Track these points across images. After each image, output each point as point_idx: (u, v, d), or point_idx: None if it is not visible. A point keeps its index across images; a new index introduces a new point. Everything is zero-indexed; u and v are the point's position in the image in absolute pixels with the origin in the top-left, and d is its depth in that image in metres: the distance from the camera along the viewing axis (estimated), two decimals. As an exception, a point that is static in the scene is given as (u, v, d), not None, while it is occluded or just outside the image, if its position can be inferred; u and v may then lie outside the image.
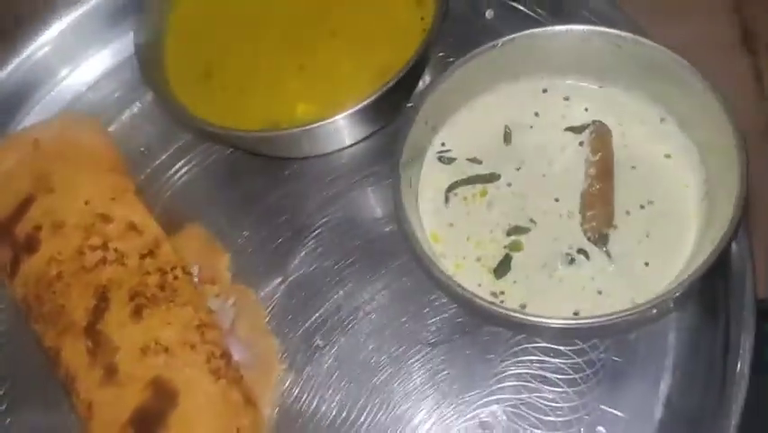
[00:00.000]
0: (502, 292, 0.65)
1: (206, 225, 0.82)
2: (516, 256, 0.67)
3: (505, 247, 0.67)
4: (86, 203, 0.76)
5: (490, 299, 0.64)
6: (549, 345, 0.70)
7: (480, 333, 0.71)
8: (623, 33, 0.69)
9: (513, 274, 0.66)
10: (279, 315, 0.76)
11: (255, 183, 0.83)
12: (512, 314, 0.60)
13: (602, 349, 0.69)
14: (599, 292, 0.64)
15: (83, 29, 0.91)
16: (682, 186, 0.68)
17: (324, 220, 0.80)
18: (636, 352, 0.69)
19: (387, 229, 0.78)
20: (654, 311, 0.61)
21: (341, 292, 0.76)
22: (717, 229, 0.61)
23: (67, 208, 0.75)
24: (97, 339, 0.69)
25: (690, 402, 0.66)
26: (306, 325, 0.76)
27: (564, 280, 0.65)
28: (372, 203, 0.81)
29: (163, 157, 0.86)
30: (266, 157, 0.83)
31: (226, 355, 0.70)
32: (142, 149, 0.87)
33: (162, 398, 0.66)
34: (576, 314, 0.62)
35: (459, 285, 0.62)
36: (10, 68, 0.89)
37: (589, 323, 0.60)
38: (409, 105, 0.81)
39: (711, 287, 0.66)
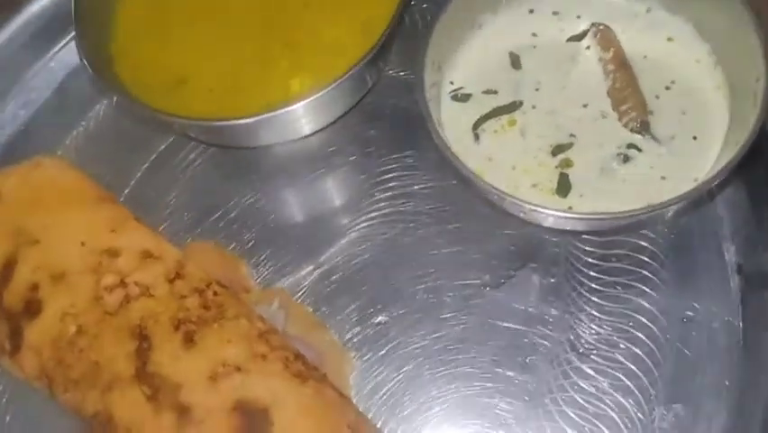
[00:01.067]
0: (570, 208, 0.64)
1: (208, 236, 0.76)
2: (571, 172, 0.65)
3: (557, 167, 0.66)
4: (83, 244, 0.67)
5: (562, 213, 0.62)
6: (609, 251, 0.69)
7: (542, 263, 0.70)
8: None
9: (576, 189, 0.65)
10: (325, 307, 0.72)
11: (248, 179, 0.78)
12: (588, 216, 0.60)
13: (659, 241, 0.70)
14: (663, 178, 0.64)
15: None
16: (694, 62, 0.69)
17: (345, 198, 0.77)
18: (692, 233, 0.71)
19: (408, 185, 0.75)
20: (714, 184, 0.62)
21: (387, 266, 0.72)
22: (748, 92, 0.63)
23: (62, 256, 0.66)
24: (153, 383, 0.61)
25: (761, 263, 0.67)
26: (356, 308, 0.71)
27: (627, 179, 0.65)
28: (382, 168, 0.77)
29: (137, 178, 0.79)
30: (252, 149, 0.77)
31: (300, 356, 0.64)
32: (108, 177, 0.77)
33: (254, 420, 0.59)
34: (648, 205, 0.62)
35: (526, 201, 0.60)
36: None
37: (661, 208, 0.60)
38: (390, 71, 0.79)
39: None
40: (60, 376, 0.63)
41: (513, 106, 0.69)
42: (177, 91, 0.72)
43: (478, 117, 0.69)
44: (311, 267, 0.74)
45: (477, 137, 0.69)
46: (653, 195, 0.63)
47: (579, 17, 0.73)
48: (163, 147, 0.79)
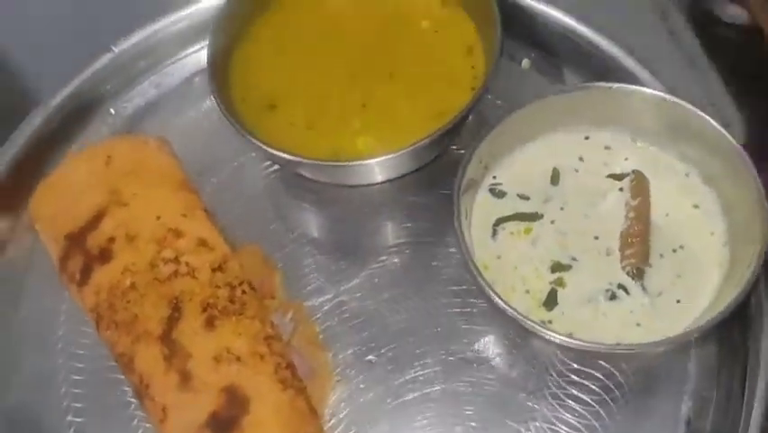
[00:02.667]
0: (550, 321, 0.73)
1: (260, 243, 0.87)
2: (561, 291, 0.74)
3: (550, 283, 0.75)
4: (158, 218, 0.81)
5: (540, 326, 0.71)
6: (582, 368, 0.78)
7: (519, 357, 0.79)
8: (662, 95, 0.78)
9: (561, 307, 0.73)
10: (332, 330, 0.83)
11: (308, 207, 0.90)
12: (564, 339, 0.68)
13: (629, 374, 0.77)
14: (638, 325, 0.72)
15: (146, 53, 0.97)
16: (708, 234, 0.76)
17: (372, 244, 0.87)
18: (659, 378, 0.78)
19: (430, 256, 0.85)
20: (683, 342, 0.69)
21: (385, 312, 0.83)
22: (740, 275, 0.70)
23: (140, 222, 0.80)
24: (172, 347, 0.74)
25: (709, 425, 0.74)
26: (355, 340, 0.82)
27: (608, 314, 0.73)
28: (419, 230, 0.88)
29: (221, 177, 0.92)
30: (320, 183, 0.90)
31: (291, 366, 0.76)
32: (199, 167, 0.92)
33: (235, 404, 0.71)
34: (618, 344, 0.70)
35: (513, 308, 0.69)
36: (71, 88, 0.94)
37: (628, 350, 0.68)
38: (453, 147, 0.90)
39: (730, 327, 0.75)
40: (107, 316, 0.77)
41: (534, 217, 0.78)
42: (267, 113, 0.85)
43: (501, 216, 0.79)
44: (332, 295, 0.85)
45: (495, 233, 0.78)
46: (623, 336, 0.71)
47: (626, 159, 0.81)
48: (253, 156, 0.92)
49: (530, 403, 0.77)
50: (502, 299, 0.70)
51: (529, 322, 0.69)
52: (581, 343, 0.69)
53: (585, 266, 0.76)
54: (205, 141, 0.94)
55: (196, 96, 0.97)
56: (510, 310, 0.70)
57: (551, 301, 0.74)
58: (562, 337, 0.68)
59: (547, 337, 0.69)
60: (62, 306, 0.85)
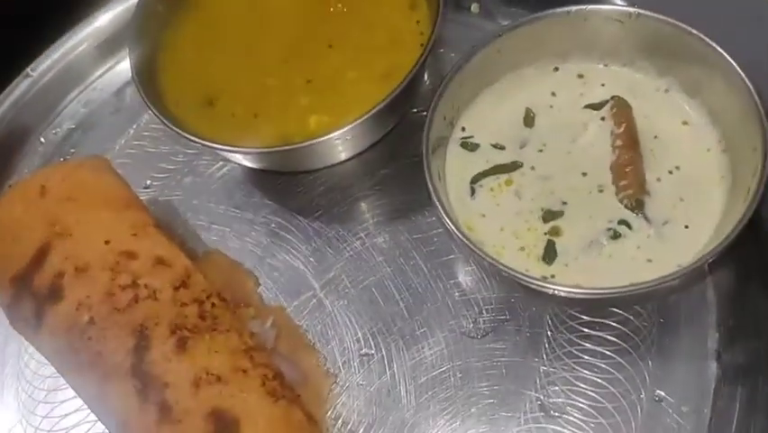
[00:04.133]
0: (552, 276, 0.66)
1: (225, 249, 0.81)
2: (558, 241, 0.67)
3: (545, 234, 0.68)
4: (107, 243, 0.73)
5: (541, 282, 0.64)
6: (594, 319, 0.71)
7: (525, 320, 0.72)
8: (626, 8, 0.71)
9: (562, 258, 0.67)
10: (318, 329, 0.76)
11: (270, 200, 0.83)
12: (571, 290, 0.61)
13: (645, 316, 0.71)
14: (649, 261, 0.65)
15: (66, 69, 0.89)
16: (704, 150, 0.70)
17: (347, 227, 0.80)
18: (678, 315, 0.71)
19: (412, 228, 0.79)
20: (698, 271, 0.62)
21: (374, 299, 0.77)
22: (744, 186, 0.64)
23: (88, 250, 0.73)
24: (144, 379, 0.67)
25: (742, 356, 0.68)
26: (345, 336, 0.75)
27: (614, 256, 0.66)
28: (394, 203, 0.81)
29: (170, 185, 0.85)
30: (279, 172, 0.83)
31: (279, 376, 0.69)
32: (148, 182, 0.86)
33: (224, 429, 0.64)
34: (632, 285, 0.63)
35: (510, 268, 0.63)
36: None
37: (644, 289, 0.61)
38: (414, 110, 0.83)
39: (744, 244, 0.68)
40: (70, 360, 0.70)
41: (512, 167, 0.72)
42: (206, 110, 0.78)
43: (477, 172, 0.72)
44: (313, 291, 0.78)
45: (473, 192, 0.71)
46: (636, 275, 0.65)
47: (603, 85, 0.75)
48: (202, 159, 0.85)
49: (545, 367, 0.71)
50: (495, 260, 0.64)
51: (529, 279, 0.62)
52: (592, 291, 0.62)
53: (579, 208, 0.69)
54: (148, 152, 0.87)
55: (131, 109, 0.90)
56: (507, 270, 0.63)
57: (550, 254, 0.67)
58: (568, 289, 0.62)
59: (551, 292, 0.62)
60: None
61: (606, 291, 0.62)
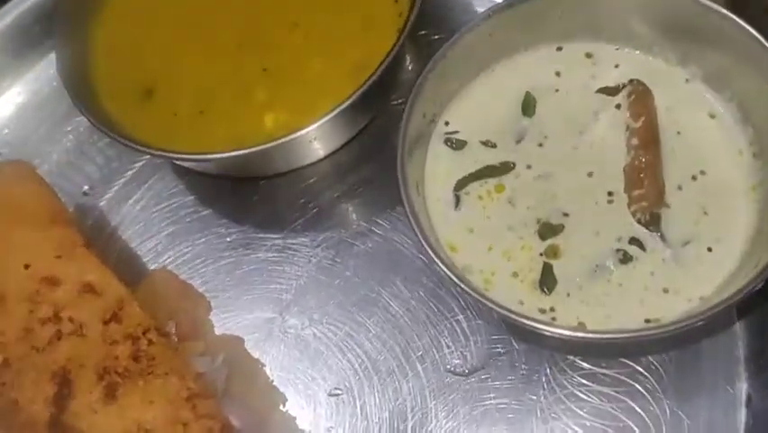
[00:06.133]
0: (552, 309, 0.55)
1: (174, 267, 0.71)
2: (557, 263, 0.56)
3: (541, 255, 0.57)
4: (27, 267, 0.64)
5: (539, 317, 0.53)
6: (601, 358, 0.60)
7: (520, 353, 0.62)
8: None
9: (562, 286, 0.55)
10: (280, 363, 0.66)
11: (225, 211, 0.73)
12: (573, 334, 0.50)
13: (662, 351, 0.60)
14: (665, 291, 0.54)
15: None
16: (735, 152, 0.58)
17: (315, 241, 0.70)
18: (700, 348, 0.61)
19: (388, 243, 0.68)
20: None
21: (346, 327, 0.66)
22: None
23: (3, 277, 0.63)
24: (65, 433, 0.56)
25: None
26: (312, 371, 0.65)
27: (624, 284, 0.55)
28: (367, 213, 0.70)
29: (110, 194, 0.75)
30: (233, 178, 0.72)
31: (228, 429, 0.58)
32: (86, 188, 0.75)
33: (157, 497, 0.54)
34: (648, 321, 0.52)
35: (499, 305, 0.51)
36: None
37: (660, 332, 0.50)
38: (395, 102, 0.71)
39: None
40: (-19, 407, 0.60)
41: (504, 168, 0.61)
42: (144, 104, 0.67)
43: (462, 177, 0.60)
44: (275, 314, 0.68)
45: (458, 201, 0.60)
46: (650, 309, 0.54)
47: (617, 66, 0.63)
48: (149, 162, 0.74)
49: (543, 412, 0.61)
50: (482, 295, 0.52)
51: (523, 320, 0.51)
52: (597, 336, 0.51)
53: (582, 222, 0.58)
54: (82, 156, 0.76)
55: (60, 110, 0.77)
56: (497, 308, 0.52)
57: (548, 281, 0.56)
58: (570, 333, 0.51)
59: (549, 334, 0.51)
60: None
61: (614, 336, 0.51)
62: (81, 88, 0.67)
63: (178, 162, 0.71)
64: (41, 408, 0.58)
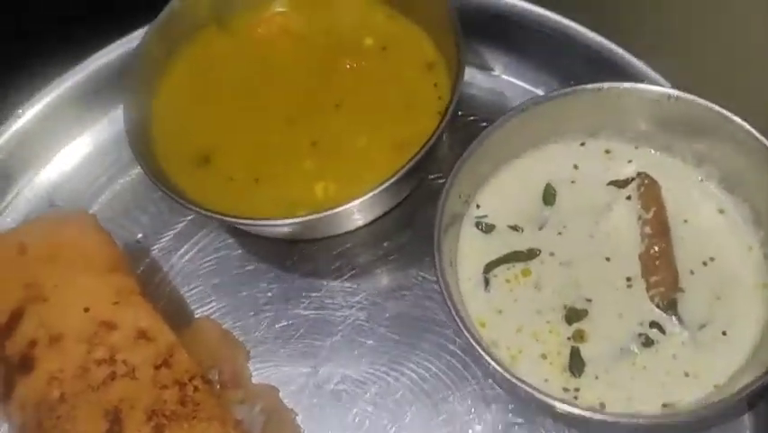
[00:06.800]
0: (577, 389, 0.59)
1: (217, 316, 0.75)
2: (584, 347, 0.61)
3: (569, 339, 0.61)
4: (86, 310, 0.68)
5: (562, 396, 0.57)
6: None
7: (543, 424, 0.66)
8: (663, 90, 0.65)
9: (591, 369, 0.60)
10: (312, 414, 0.70)
11: (267, 268, 0.77)
12: (590, 415, 0.55)
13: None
14: (686, 375, 0.59)
15: (55, 115, 0.83)
16: (745, 247, 0.63)
17: (349, 302, 0.75)
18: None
19: (419, 308, 0.73)
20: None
21: (376, 385, 0.70)
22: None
23: (64, 318, 0.67)
24: (115, 469, 0.61)
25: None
26: (342, 426, 0.69)
27: (648, 367, 0.59)
28: (398, 281, 0.75)
29: (161, 244, 0.80)
30: (277, 239, 0.77)
31: (263, 474, 0.62)
32: (140, 236, 0.80)
33: None
34: (665, 406, 0.56)
35: (523, 381, 0.56)
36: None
37: (685, 419, 0.55)
38: (432, 176, 0.77)
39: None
40: (36, 438, 0.64)
41: (531, 254, 0.65)
42: (200, 169, 0.72)
43: (491, 259, 0.65)
44: (309, 369, 0.72)
45: (487, 282, 0.65)
46: (670, 392, 0.58)
47: (630, 161, 0.69)
48: (191, 218, 0.79)
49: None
50: (506, 370, 0.57)
51: (550, 401, 0.55)
52: (614, 418, 0.55)
53: (605, 306, 0.62)
54: (138, 209, 0.81)
55: (120, 161, 0.83)
56: (520, 383, 0.56)
57: (577, 364, 0.60)
58: (589, 415, 0.55)
59: (565, 414, 0.55)
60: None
61: (630, 421, 0.55)
62: (142, 146, 0.72)
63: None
64: (93, 442, 0.62)
